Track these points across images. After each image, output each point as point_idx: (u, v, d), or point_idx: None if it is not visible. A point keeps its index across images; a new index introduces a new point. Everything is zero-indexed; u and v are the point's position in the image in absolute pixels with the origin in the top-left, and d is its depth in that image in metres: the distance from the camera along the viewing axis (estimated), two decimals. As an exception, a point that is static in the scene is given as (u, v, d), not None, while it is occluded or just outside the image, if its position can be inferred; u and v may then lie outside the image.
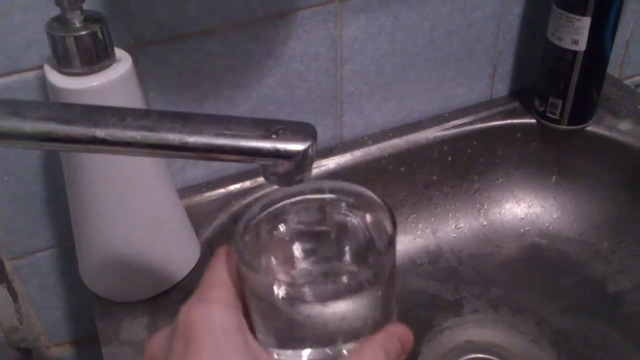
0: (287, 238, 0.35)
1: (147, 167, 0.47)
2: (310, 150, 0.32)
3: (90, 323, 0.66)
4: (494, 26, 0.65)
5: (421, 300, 0.63)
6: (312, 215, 0.35)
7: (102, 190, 0.46)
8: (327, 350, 0.33)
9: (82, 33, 0.41)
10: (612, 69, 0.75)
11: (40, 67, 0.49)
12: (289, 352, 0.33)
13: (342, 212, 0.35)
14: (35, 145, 0.32)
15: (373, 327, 0.33)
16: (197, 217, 0.56)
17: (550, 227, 0.68)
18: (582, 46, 0.60)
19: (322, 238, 0.35)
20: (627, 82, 0.80)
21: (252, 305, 0.32)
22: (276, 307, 0.31)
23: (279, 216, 0.35)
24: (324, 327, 0.32)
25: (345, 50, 0.59)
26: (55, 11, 0.42)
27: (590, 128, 0.67)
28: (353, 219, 0.35)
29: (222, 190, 0.60)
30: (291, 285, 0.32)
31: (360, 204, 0.35)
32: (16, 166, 0.53)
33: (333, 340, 0.32)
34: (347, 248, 0.35)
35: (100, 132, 0.31)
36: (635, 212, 0.65)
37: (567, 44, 0.60)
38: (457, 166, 0.68)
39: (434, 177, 0.68)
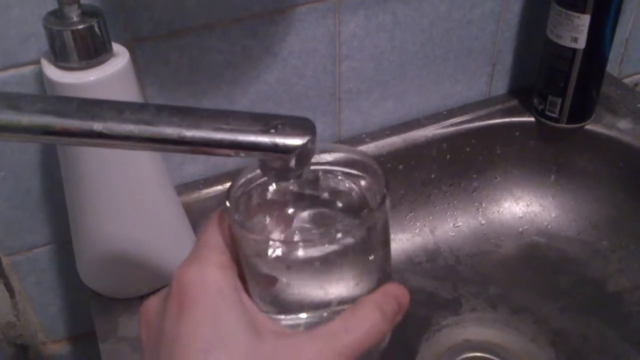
0: (279, 200, 0.35)
1: (145, 163, 0.47)
2: (309, 145, 0.32)
3: (87, 320, 0.65)
4: (493, 24, 0.65)
5: (419, 299, 0.63)
6: (304, 182, 0.35)
7: (100, 186, 0.46)
8: (323, 313, 0.32)
9: (80, 27, 0.40)
10: (612, 68, 0.75)
11: (38, 62, 0.49)
12: (283, 316, 0.33)
13: (336, 180, 0.35)
14: (32, 139, 0.31)
15: (368, 288, 0.33)
16: (195, 214, 0.56)
17: (549, 226, 0.68)
18: (581, 44, 0.59)
19: (315, 202, 0.35)
20: (626, 80, 0.80)
21: (246, 268, 0.32)
22: (271, 267, 0.31)
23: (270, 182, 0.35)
24: (319, 288, 0.32)
25: (344, 47, 0.59)
26: (53, 5, 0.42)
27: (590, 127, 0.66)
28: (346, 184, 0.35)
29: (220, 187, 0.60)
30: (286, 244, 0.32)
31: (354, 170, 0.35)
32: (13, 162, 0.53)
33: (328, 303, 0.32)
34: (340, 210, 0.35)
35: (97, 126, 0.31)
36: (634, 211, 0.65)
37: (567, 42, 0.60)
38: (456, 164, 0.68)
39: (432, 176, 0.68)
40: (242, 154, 0.32)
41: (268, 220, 0.34)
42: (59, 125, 0.30)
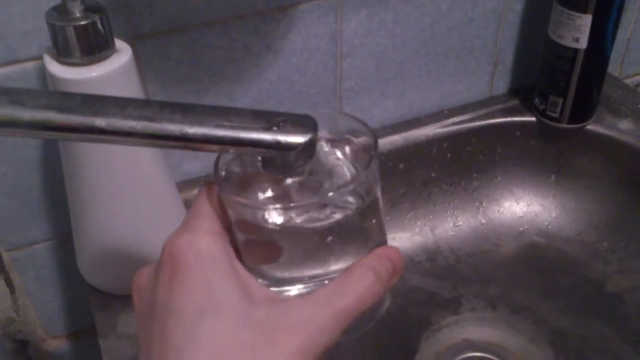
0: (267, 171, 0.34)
1: (146, 159, 0.47)
2: (311, 143, 0.32)
3: (87, 316, 0.65)
4: (495, 23, 0.65)
5: (419, 298, 0.63)
6: None
7: (101, 182, 0.46)
8: (316, 282, 0.32)
9: (82, 23, 0.40)
10: (613, 68, 0.75)
11: (40, 58, 0.48)
12: (276, 288, 0.33)
13: (325, 150, 0.35)
14: (35, 134, 0.31)
15: (362, 251, 0.33)
16: (195, 211, 0.56)
17: (549, 226, 0.68)
18: (583, 44, 0.59)
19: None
20: (628, 81, 0.80)
21: (237, 238, 0.32)
22: (259, 233, 0.31)
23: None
24: (312, 253, 0.32)
25: (345, 45, 0.59)
26: (55, 1, 0.42)
27: (590, 127, 0.66)
28: (335, 152, 0.35)
29: (220, 185, 0.60)
30: (278, 210, 0.32)
31: (344, 136, 0.35)
32: (14, 157, 0.53)
33: (321, 272, 0.32)
34: (330, 177, 0.34)
35: (100, 122, 0.31)
36: (634, 212, 0.65)
37: (568, 42, 0.60)
38: (456, 164, 0.68)
39: (433, 175, 0.68)
40: (244, 151, 0.32)
41: (259, 190, 0.34)
42: (62, 120, 0.30)
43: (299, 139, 0.31)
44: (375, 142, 0.33)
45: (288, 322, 0.29)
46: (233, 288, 0.30)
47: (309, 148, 0.32)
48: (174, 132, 0.31)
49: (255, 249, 0.32)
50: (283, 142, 0.31)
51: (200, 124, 0.32)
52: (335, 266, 0.32)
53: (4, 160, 0.53)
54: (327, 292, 0.30)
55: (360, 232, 0.33)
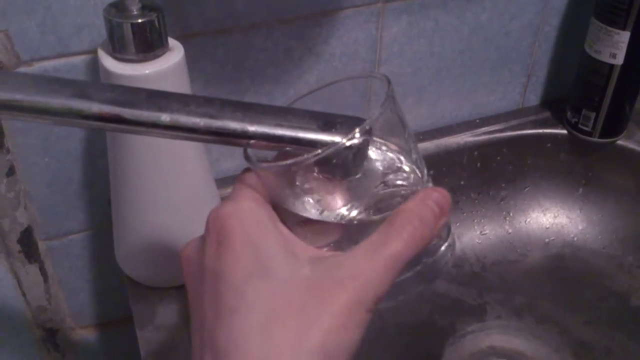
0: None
1: (190, 156, 0.48)
2: (366, 143, 0.33)
3: (116, 307, 0.67)
4: (531, 36, 0.65)
5: (445, 304, 0.63)
6: None
7: (146, 175, 0.46)
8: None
9: (140, 20, 0.41)
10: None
11: (90, 52, 0.50)
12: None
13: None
14: (99, 126, 0.32)
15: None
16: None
17: (575, 239, 0.69)
18: (619, 60, 0.60)
19: None
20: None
21: (281, 211, 0.32)
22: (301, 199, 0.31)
23: None
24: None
25: (384, 52, 0.60)
26: (110, -3, 0.43)
27: (621, 142, 0.67)
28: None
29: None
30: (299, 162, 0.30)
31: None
32: (57, 149, 0.54)
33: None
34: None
35: (165, 117, 0.32)
36: (661, 227, 0.66)
37: (605, 57, 0.61)
38: (486, 173, 0.69)
39: (462, 182, 0.69)
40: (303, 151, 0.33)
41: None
42: (129, 115, 0.31)
43: (355, 140, 0.32)
44: (388, 81, 0.33)
45: (335, 277, 0.29)
46: (278, 248, 0.30)
47: (365, 148, 0.33)
48: (236, 130, 0.32)
49: (296, 218, 0.32)
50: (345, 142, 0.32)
51: (260, 122, 0.33)
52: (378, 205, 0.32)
53: (47, 151, 0.54)
54: (372, 242, 0.30)
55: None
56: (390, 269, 0.29)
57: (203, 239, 0.32)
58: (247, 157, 0.32)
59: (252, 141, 0.33)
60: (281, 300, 0.28)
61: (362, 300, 0.28)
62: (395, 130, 0.33)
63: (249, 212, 0.31)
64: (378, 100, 0.34)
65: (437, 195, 0.32)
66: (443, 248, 0.34)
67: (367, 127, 0.30)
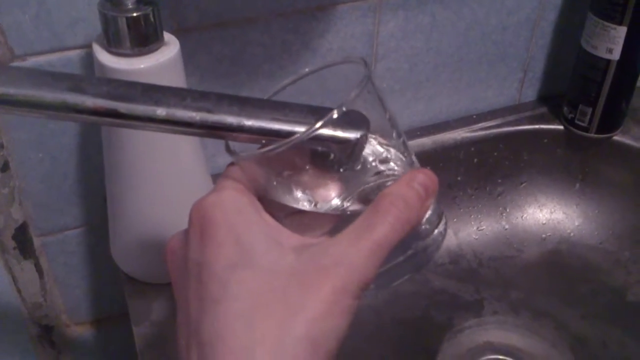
0: None
1: (186, 151, 0.47)
2: (363, 138, 0.32)
3: (111, 304, 0.66)
4: (528, 31, 0.65)
5: (442, 300, 0.63)
6: None
7: (141, 170, 0.46)
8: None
9: (135, 14, 0.41)
10: (640, 81, 0.75)
11: (85, 47, 0.49)
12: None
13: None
14: (94, 121, 0.32)
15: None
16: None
17: (572, 234, 0.69)
18: (616, 55, 0.60)
19: None
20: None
21: (266, 200, 0.32)
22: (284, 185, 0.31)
23: None
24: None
25: (381, 47, 0.60)
26: (106, -9, 0.42)
27: (617, 137, 0.67)
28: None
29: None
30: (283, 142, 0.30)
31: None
32: (52, 144, 0.54)
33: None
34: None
35: (161, 111, 0.31)
36: (658, 223, 0.66)
37: (602, 53, 0.61)
38: (482, 168, 0.69)
39: (459, 178, 0.68)
40: (301, 145, 0.33)
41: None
42: (125, 109, 0.31)
43: (353, 134, 0.32)
44: (365, 63, 0.32)
45: (319, 265, 0.28)
46: (261, 237, 0.30)
47: (363, 143, 0.32)
48: (232, 124, 0.32)
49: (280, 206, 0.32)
50: (341, 137, 0.31)
51: (257, 117, 0.32)
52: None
53: (42, 146, 0.53)
54: (356, 227, 0.29)
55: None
56: (375, 254, 0.29)
57: (186, 231, 0.32)
58: (228, 149, 0.32)
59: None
60: (265, 289, 0.28)
61: (347, 286, 0.28)
62: (375, 111, 0.32)
63: (231, 201, 0.31)
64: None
65: (422, 177, 0.31)
66: (435, 232, 0.34)
67: (344, 108, 0.30)
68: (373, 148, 0.34)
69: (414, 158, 0.34)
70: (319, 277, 0.28)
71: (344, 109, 0.30)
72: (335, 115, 0.29)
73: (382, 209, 0.30)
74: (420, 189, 0.31)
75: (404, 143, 0.34)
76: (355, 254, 0.29)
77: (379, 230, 0.29)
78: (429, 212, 0.33)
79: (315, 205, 0.32)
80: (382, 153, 0.34)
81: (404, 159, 0.33)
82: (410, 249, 0.33)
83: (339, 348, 0.28)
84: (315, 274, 0.28)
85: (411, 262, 0.33)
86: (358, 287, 0.28)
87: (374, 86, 0.32)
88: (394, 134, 0.33)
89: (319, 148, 0.32)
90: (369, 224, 0.29)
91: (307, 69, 0.36)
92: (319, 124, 0.29)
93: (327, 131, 0.32)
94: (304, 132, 0.29)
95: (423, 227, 0.33)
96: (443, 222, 0.34)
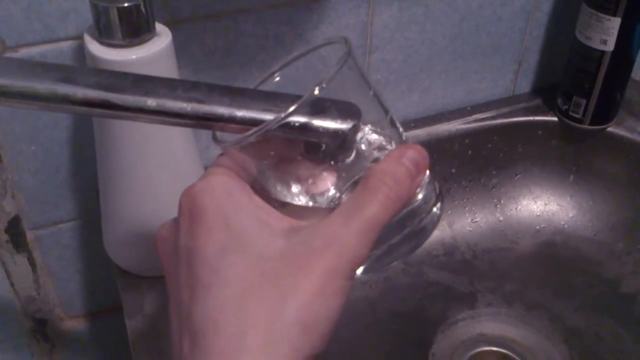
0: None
1: (179, 143, 0.47)
2: (355, 129, 0.32)
3: (105, 297, 0.66)
4: (522, 22, 0.65)
5: (435, 292, 0.63)
6: None
7: (134, 163, 0.46)
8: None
9: (126, 5, 0.41)
10: (635, 73, 0.75)
11: (77, 38, 0.49)
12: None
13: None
14: (85, 112, 0.32)
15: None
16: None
17: (566, 226, 0.69)
18: (610, 46, 0.60)
19: None
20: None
21: (257, 187, 0.32)
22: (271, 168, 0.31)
23: None
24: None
25: (375, 38, 0.60)
26: (98, -18, 0.42)
27: (612, 129, 0.67)
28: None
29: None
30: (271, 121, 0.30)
31: None
32: (45, 137, 0.53)
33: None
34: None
35: (151, 102, 0.31)
36: (652, 214, 0.66)
37: (596, 44, 0.60)
38: (477, 160, 0.69)
39: (453, 170, 0.68)
40: (290, 136, 0.33)
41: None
42: (114, 99, 0.31)
43: (344, 125, 0.32)
44: (346, 40, 0.32)
45: (310, 247, 0.28)
46: (252, 221, 0.30)
47: (354, 133, 0.32)
48: (224, 115, 0.32)
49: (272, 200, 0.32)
50: (330, 127, 0.31)
51: (248, 107, 0.32)
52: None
53: (34, 139, 0.53)
54: (346, 207, 0.29)
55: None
56: (366, 234, 0.28)
57: (176, 219, 0.31)
58: (215, 139, 0.32)
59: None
60: (256, 273, 0.28)
61: (338, 268, 0.28)
62: (358, 89, 0.32)
63: (220, 186, 0.30)
64: (375, 89, 0.33)
65: (412, 153, 0.31)
66: (433, 209, 0.33)
67: (324, 85, 0.29)
68: (367, 135, 0.34)
69: (404, 136, 0.34)
70: (310, 260, 0.28)
71: (324, 85, 0.29)
72: (316, 92, 0.29)
73: (372, 187, 0.29)
74: (410, 164, 0.30)
75: (391, 121, 0.33)
76: (346, 234, 0.28)
77: (369, 209, 0.29)
78: (424, 190, 0.33)
79: (311, 197, 0.32)
80: (375, 141, 0.33)
81: (393, 141, 0.33)
82: (406, 227, 0.32)
83: (332, 330, 0.28)
84: (306, 257, 0.28)
85: (407, 241, 0.32)
86: (350, 268, 0.28)
87: (355, 62, 0.31)
88: (381, 110, 0.33)
89: (312, 139, 0.32)
90: (359, 203, 0.29)
91: (294, 53, 0.36)
92: (296, 104, 0.29)
93: (317, 122, 0.32)
94: (282, 114, 0.29)
95: (419, 204, 0.33)
96: (440, 199, 0.34)
